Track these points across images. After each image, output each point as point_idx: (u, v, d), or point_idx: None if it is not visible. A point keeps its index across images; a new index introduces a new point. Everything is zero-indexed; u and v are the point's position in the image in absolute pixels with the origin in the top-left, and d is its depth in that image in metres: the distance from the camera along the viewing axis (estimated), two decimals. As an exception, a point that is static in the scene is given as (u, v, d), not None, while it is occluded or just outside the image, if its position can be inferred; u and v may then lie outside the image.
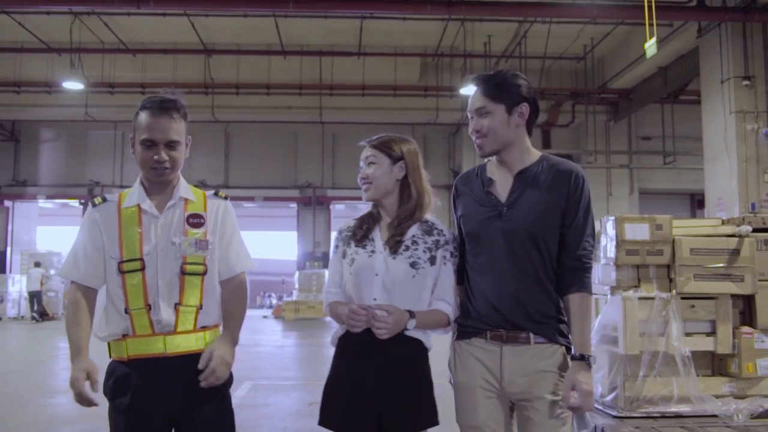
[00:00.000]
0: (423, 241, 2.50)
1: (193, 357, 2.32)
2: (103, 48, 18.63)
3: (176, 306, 2.33)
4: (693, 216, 22.62)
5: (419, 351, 2.46)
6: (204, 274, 2.38)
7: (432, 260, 2.47)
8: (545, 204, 2.41)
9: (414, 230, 2.50)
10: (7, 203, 23.48)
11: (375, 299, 2.41)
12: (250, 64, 19.65)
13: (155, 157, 2.37)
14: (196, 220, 2.44)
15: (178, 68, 19.52)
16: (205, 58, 19.40)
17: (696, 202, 22.83)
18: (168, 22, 16.93)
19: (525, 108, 2.44)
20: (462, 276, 2.56)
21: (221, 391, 2.38)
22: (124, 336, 2.32)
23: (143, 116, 2.41)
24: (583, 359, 2.34)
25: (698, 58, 14.27)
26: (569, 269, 2.41)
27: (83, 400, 2.27)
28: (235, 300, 2.47)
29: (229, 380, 2.41)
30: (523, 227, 2.39)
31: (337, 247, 2.61)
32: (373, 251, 2.48)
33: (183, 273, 2.35)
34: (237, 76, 19.59)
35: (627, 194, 21.26)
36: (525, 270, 2.40)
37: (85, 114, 20.15)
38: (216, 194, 2.56)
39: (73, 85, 17.71)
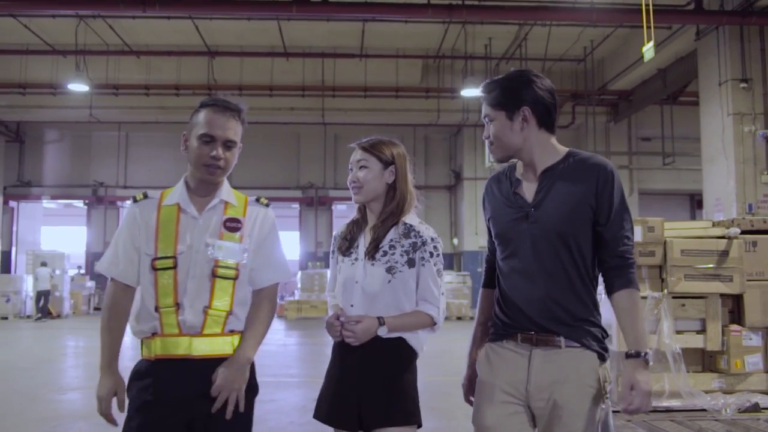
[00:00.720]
0: (400, 244, 2.53)
1: (219, 360, 2.31)
2: (108, 50, 18.83)
3: (205, 309, 2.30)
4: (693, 216, 22.78)
5: (402, 350, 2.51)
6: (235, 278, 2.36)
7: (410, 263, 2.51)
8: (573, 201, 2.31)
9: (392, 234, 2.55)
10: (12, 204, 23.68)
11: (352, 305, 2.51)
12: (253, 66, 19.86)
13: (212, 153, 2.35)
14: (233, 224, 2.41)
15: (182, 70, 19.72)
16: (209, 60, 19.59)
17: (696, 203, 22.96)
18: (172, 25, 17.09)
19: (527, 111, 2.36)
20: (493, 279, 2.51)
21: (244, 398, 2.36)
22: (153, 335, 2.30)
23: (205, 112, 2.38)
24: (640, 356, 2.21)
25: (697, 60, 14.44)
26: (613, 267, 2.30)
27: (108, 421, 2.29)
28: (259, 311, 2.43)
29: (254, 387, 2.42)
30: (551, 227, 2.31)
31: (333, 252, 2.72)
32: (356, 259, 2.57)
33: (214, 276, 2.33)
34: (240, 78, 19.78)
35: (627, 195, 21.32)
36: (554, 271, 2.31)
37: (89, 115, 20.33)
38: (257, 200, 2.54)
39: (78, 86, 17.88)
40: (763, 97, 13.03)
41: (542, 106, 2.36)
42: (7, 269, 22.86)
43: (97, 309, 22.68)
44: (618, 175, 2.33)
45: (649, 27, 10.62)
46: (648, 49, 11.05)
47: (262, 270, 2.44)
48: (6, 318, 18.66)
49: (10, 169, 23.44)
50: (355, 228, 2.65)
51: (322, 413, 2.53)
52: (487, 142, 2.45)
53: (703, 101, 14.05)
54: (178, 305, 2.29)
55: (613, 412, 4.67)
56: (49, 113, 21.05)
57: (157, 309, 2.30)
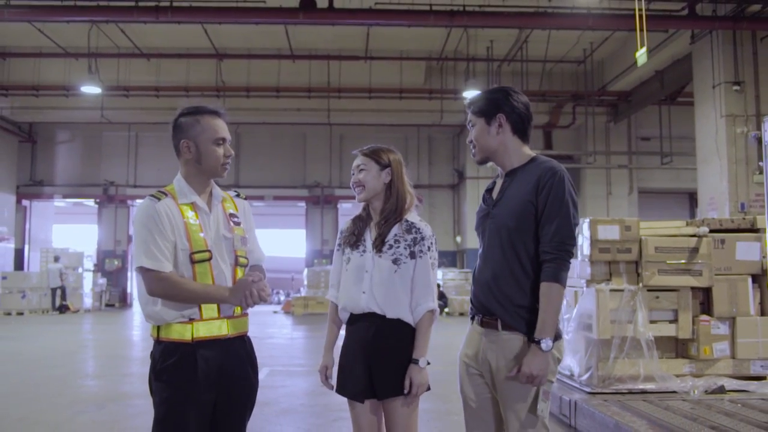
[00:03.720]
0: (404, 239, 2.89)
1: (243, 338, 2.65)
2: (119, 53, 19.25)
3: None
4: (692, 214, 23.12)
5: (405, 328, 2.88)
6: (246, 266, 2.69)
7: (412, 255, 2.87)
8: (520, 201, 2.59)
9: (396, 230, 2.92)
10: (25, 202, 24.15)
11: (364, 292, 2.89)
12: (260, 67, 20.30)
13: (226, 153, 2.64)
14: (236, 219, 2.71)
15: (191, 72, 20.17)
16: (217, 62, 20.02)
17: (694, 201, 23.25)
18: (182, 28, 17.38)
19: (502, 118, 2.68)
20: None
21: (256, 369, 2.72)
22: (191, 320, 2.52)
23: (209, 119, 2.64)
24: (537, 342, 2.49)
25: (692, 62, 14.83)
26: (543, 261, 2.55)
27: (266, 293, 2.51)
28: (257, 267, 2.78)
29: (256, 367, 2.73)
30: (502, 223, 2.63)
31: (339, 245, 3.09)
32: (364, 251, 2.94)
33: (237, 264, 2.63)
34: (248, 80, 20.22)
35: (626, 194, 21.76)
36: (498, 261, 2.62)
37: (100, 116, 20.79)
38: (237, 195, 2.82)
39: (90, 89, 18.35)
40: (755, 100, 13.41)
41: (516, 115, 2.71)
42: (20, 266, 23.36)
43: (108, 305, 23.21)
44: (562, 176, 2.58)
45: (641, 30, 10.99)
46: (641, 55, 11.43)
47: (254, 254, 2.78)
48: (22, 313, 19.17)
49: (23, 169, 23.90)
50: (360, 224, 3.03)
51: (338, 385, 2.94)
52: (470, 146, 2.82)
53: (697, 103, 14.45)
54: None
55: (592, 393, 5.16)
56: (61, 114, 21.54)
57: None
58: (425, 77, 20.91)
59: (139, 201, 23.73)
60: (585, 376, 5.32)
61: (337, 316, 3.05)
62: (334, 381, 2.97)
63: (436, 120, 21.29)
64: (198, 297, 2.52)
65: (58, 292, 19.97)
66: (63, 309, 19.80)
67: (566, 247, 2.55)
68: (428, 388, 2.87)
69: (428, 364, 2.86)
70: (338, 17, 14.36)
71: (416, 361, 2.82)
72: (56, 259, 20.40)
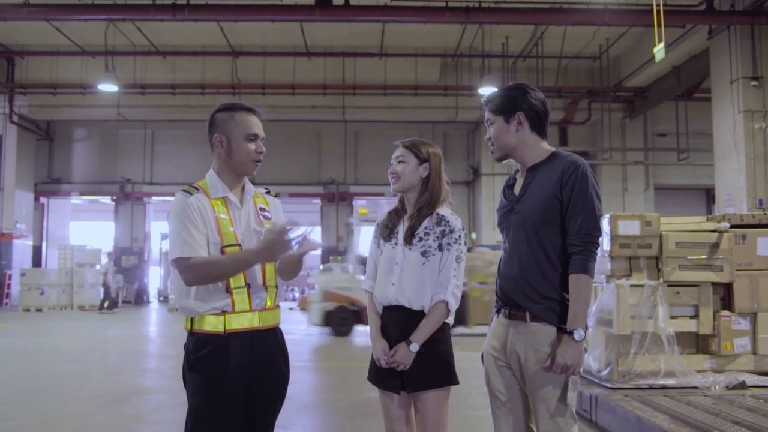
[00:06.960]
0: (433, 231, 2.92)
1: (275, 330, 2.70)
2: (136, 51, 19.41)
3: (265, 287, 2.65)
4: (708, 210, 22.99)
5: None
6: (277, 260, 2.68)
7: (440, 247, 2.91)
8: (544, 195, 2.64)
9: (426, 223, 2.95)
10: (43, 200, 24.31)
11: (393, 284, 2.93)
12: (275, 65, 20.35)
13: (258, 149, 2.71)
14: (266, 214, 2.76)
15: (207, 70, 20.28)
16: (233, 59, 20.11)
17: (711, 198, 23.12)
18: (198, 26, 17.57)
19: (521, 116, 2.74)
20: None
21: (288, 361, 2.76)
22: (224, 312, 2.56)
23: (243, 115, 2.71)
24: (569, 333, 2.54)
25: (709, 58, 14.72)
26: (570, 253, 2.59)
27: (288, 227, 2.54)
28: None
29: (287, 361, 2.78)
30: (527, 218, 2.68)
31: (375, 237, 3.13)
32: (396, 243, 2.99)
33: None
34: (263, 77, 20.29)
35: (642, 190, 21.65)
36: (525, 254, 2.66)
37: (117, 114, 20.97)
38: (268, 192, 2.89)
39: (107, 87, 18.47)
40: (773, 95, 13.33)
41: (534, 112, 2.76)
42: (38, 263, 23.55)
43: (126, 302, 23.33)
44: (585, 170, 2.63)
45: (659, 25, 10.92)
46: (659, 50, 11.37)
47: None
48: (41, 310, 19.33)
49: (41, 167, 24.05)
50: (395, 216, 3.07)
51: (371, 376, 2.99)
52: (489, 143, 2.87)
53: (715, 99, 14.34)
54: (248, 285, 2.61)
55: (613, 389, 5.15)
56: (78, 112, 21.70)
57: (228, 289, 2.58)
58: (440, 74, 20.89)
59: (155, 198, 24.00)
60: (605, 372, 5.32)
61: (374, 304, 3.07)
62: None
63: (451, 116, 21.27)
64: (229, 267, 2.55)
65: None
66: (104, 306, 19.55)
67: (593, 239, 2.59)
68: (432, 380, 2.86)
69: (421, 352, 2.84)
70: (354, 14, 14.36)
71: (408, 342, 2.84)
72: (108, 257, 20.54)
